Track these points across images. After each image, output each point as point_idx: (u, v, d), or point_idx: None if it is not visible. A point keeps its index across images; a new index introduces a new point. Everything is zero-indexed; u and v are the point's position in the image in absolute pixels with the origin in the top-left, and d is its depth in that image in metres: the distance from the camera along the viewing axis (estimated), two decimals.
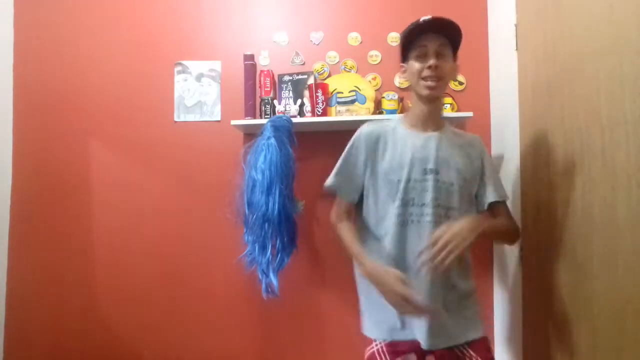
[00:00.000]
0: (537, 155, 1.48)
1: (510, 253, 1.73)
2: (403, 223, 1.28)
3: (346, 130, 2.00)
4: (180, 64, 2.10)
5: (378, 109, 1.94)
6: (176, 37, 2.11)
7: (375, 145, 1.35)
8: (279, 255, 1.81)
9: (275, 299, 1.82)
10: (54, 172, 2.09)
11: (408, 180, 1.28)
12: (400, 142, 1.33)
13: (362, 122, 1.86)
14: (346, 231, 1.38)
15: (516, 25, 1.67)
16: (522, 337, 1.63)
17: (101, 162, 2.09)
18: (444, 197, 1.28)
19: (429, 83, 1.26)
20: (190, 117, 2.08)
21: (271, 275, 1.79)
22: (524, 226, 1.59)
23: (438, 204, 1.27)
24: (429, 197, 1.27)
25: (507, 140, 1.79)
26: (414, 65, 1.29)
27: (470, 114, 1.83)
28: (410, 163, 1.29)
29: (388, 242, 1.29)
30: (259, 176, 1.77)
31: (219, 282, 2.02)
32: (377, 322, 1.33)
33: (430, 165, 1.29)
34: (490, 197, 1.36)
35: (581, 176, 1.19)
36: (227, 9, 2.11)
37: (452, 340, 1.28)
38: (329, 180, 1.42)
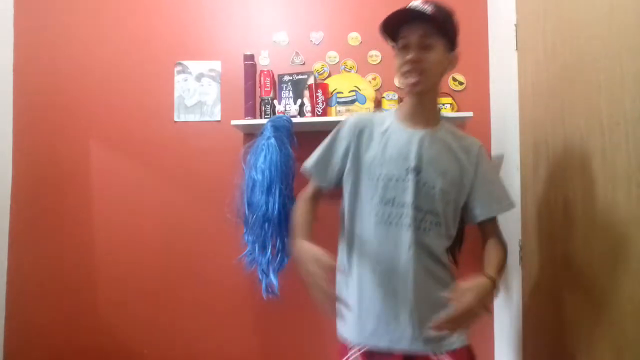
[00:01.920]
0: (537, 155, 1.47)
1: (511, 253, 1.73)
2: (380, 223, 1.19)
3: None
4: (180, 64, 2.10)
5: (378, 109, 1.94)
6: (176, 37, 2.11)
7: (359, 135, 1.25)
8: (279, 255, 1.81)
9: (275, 299, 1.82)
10: (54, 172, 2.09)
11: (389, 178, 1.19)
12: (386, 136, 1.23)
13: None
14: (300, 209, 1.30)
15: (516, 25, 1.67)
16: (522, 337, 1.63)
17: (101, 162, 2.09)
18: (425, 200, 1.18)
19: (409, 79, 1.15)
20: (190, 117, 2.08)
21: (271, 275, 1.79)
22: (524, 226, 1.59)
23: (418, 206, 1.17)
24: (408, 198, 1.17)
25: (507, 140, 1.78)
26: (397, 59, 1.19)
27: (470, 114, 1.83)
28: (391, 159, 1.20)
29: (365, 240, 1.22)
30: (259, 176, 1.77)
31: (219, 282, 2.02)
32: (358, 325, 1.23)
33: (412, 164, 1.18)
34: (479, 214, 1.25)
35: (581, 176, 1.19)
36: (227, 9, 2.11)
37: (431, 347, 1.17)
38: (307, 162, 1.34)
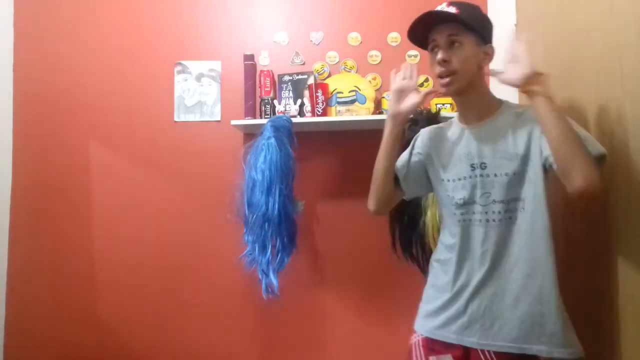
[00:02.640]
0: None
1: None
2: (460, 224, 1.19)
3: (346, 131, 2.02)
4: (180, 64, 2.10)
5: (378, 109, 1.94)
6: (176, 37, 2.10)
7: (429, 145, 1.30)
8: (279, 255, 1.81)
9: (275, 299, 1.82)
10: (54, 172, 2.09)
11: (456, 179, 1.20)
12: (450, 140, 1.26)
13: (362, 122, 1.89)
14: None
15: (516, 25, 1.67)
16: None
17: (101, 162, 2.09)
18: (497, 192, 1.13)
19: (442, 81, 1.16)
20: (190, 117, 2.08)
21: (271, 275, 1.79)
22: None
23: (490, 200, 1.14)
24: (478, 194, 1.15)
25: None
26: (431, 63, 1.20)
27: None
28: (456, 160, 1.21)
29: (455, 241, 1.21)
30: (259, 176, 1.77)
31: (219, 282, 2.02)
32: (421, 314, 1.26)
33: (475, 160, 1.17)
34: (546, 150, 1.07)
35: None
36: (227, 9, 2.11)
37: (510, 342, 1.07)
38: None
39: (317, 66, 2.05)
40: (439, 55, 1.14)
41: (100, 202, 2.08)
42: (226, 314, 2.02)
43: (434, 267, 1.28)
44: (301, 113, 1.94)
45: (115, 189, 2.07)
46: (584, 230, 1.22)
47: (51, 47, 2.13)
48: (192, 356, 2.01)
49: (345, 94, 1.93)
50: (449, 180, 1.22)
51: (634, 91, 0.97)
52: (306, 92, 1.95)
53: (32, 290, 2.06)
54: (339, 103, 1.93)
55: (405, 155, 1.35)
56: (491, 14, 1.97)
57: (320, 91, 1.88)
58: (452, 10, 1.13)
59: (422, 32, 1.19)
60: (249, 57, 1.95)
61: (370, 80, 2.01)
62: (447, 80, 1.15)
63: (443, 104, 1.92)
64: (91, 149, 2.09)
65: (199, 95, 2.09)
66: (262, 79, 1.95)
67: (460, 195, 1.18)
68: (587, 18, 1.18)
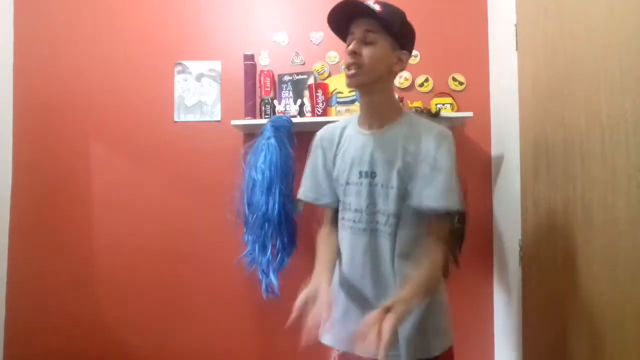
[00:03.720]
0: (537, 155, 1.47)
1: (510, 253, 1.73)
2: (345, 229, 1.20)
3: None
4: (180, 64, 2.10)
5: None
6: (176, 37, 2.11)
7: (327, 147, 1.27)
8: (279, 255, 1.81)
9: (275, 299, 1.82)
10: (54, 172, 2.09)
11: (347, 184, 1.19)
12: (345, 143, 1.23)
13: None
14: (320, 239, 1.28)
15: (516, 25, 1.67)
16: (522, 337, 1.63)
17: (101, 162, 2.09)
18: (381, 203, 1.15)
19: (348, 72, 1.14)
20: (190, 117, 2.08)
21: (271, 275, 1.79)
22: (523, 226, 1.59)
23: (373, 210, 1.15)
24: (363, 202, 1.16)
25: (507, 140, 1.78)
26: (344, 53, 1.17)
27: (470, 114, 1.83)
28: (347, 165, 1.19)
29: (343, 246, 1.22)
30: (259, 176, 1.77)
31: (219, 282, 2.02)
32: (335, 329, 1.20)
33: (365, 168, 1.17)
34: (419, 200, 1.10)
35: (581, 176, 1.19)
36: (227, 9, 2.11)
37: (413, 355, 1.12)
38: (299, 192, 1.32)
39: (317, 66, 2.05)
40: (350, 46, 1.13)
41: (100, 202, 2.08)
42: (226, 314, 2.02)
43: None
44: (301, 113, 1.94)
45: (115, 188, 2.07)
46: (583, 230, 1.21)
47: (51, 47, 2.13)
48: (192, 356, 2.01)
49: (345, 94, 1.93)
50: (341, 184, 1.21)
51: (634, 91, 0.97)
52: (306, 92, 1.95)
53: (32, 290, 2.06)
54: (339, 103, 1.93)
55: (315, 176, 1.30)
56: (491, 14, 1.98)
57: (320, 91, 1.88)
58: (376, 7, 1.11)
59: (345, 23, 1.16)
60: (249, 57, 1.95)
61: None
62: (352, 72, 1.12)
63: (443, 104, 1.93)
64: (91, 149, 2.09)
65: (199, 95, 2.09)
66: (262, 79, 1.95)
67: (349, 200, 1.18)
68: (587, 18, 1.18)
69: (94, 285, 2.05)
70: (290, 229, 1.84)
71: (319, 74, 2.04)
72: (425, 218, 1.14)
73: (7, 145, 2.10)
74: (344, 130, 1.26)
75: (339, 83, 1.95)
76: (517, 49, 1.67)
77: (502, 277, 1.86)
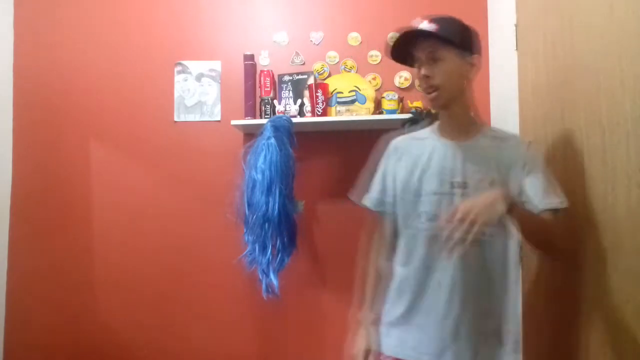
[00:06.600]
0: None
1: None
2: (427, 238, 1.17)
3: (346, 130, 2.01)
4: (180, 64, 2.10)
5: (378, 109, 1.94)
6: (176, 37, 2.11)
7: (400, 157, 1.27)
8: (279, 255, 1.81)
9: (275, 299, 1.82)
10: (54, 172, 2.09)
11: (433, 193, 1.17)
12: (425, 154, 1.22)
13: (362, 122, 1.89)
14: (371, 260, 1.30)
15: (516, 25, 1.67)
16: (522, 337, 1.62)
17: (101, 162, 2.09)
18: None
19: (429, 96, 1.17)
20: (190, 117, 2.08)
21: (271, 275, 1.79)
22: None
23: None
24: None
25: None
26: (417, 79, 1.21)
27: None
28: (433, 174, 1.18)
29: (414, 256, 1.20)
30: (259, 176, 1.77)
31: (219, 282, 2.02)
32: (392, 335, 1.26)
33: (458, 178, 1.16)
34: (530, 202, 1.12)
35: (581, 176, 1.19)
36: (227, 9, 2.11)
37: None
38: (364, 199, 1.31)
39: (317, 66, 2.05)
40: (422, 72, 1.16)
41: (100, 202, 2.08)
42: (226, 314, 2.02)
43: None
44: (301, 113, 1.94)
45: (115, 188, 2.07)
46: (583, 229, 1.22)
47: (51, 47, 2.13)
48: (192, 356, 2.01)
49: (345, 94, 1.93)
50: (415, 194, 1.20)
51: (634, 91, 0.97)
52: (306, 92, 1.95)
53: (32, 290, 2.06)
54: (339, 103, 1.93)
55: (384, 184, 1.30)
56: (491, 14, 1.98)
57: (320, 91, 1.88)
58: (431, 26, 1.13)
59: (404, 48, 1.19)
60: (249, 57, 1.95)
61: (370, 80, 2.01)
62: (433, 95, 1.16)
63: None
64: (91, 149, 2.09)
65: (199, 95, 2.09)
66: (262, 79, 1.95)
67: (429, 209, 1.17)
68: (587, 18, 1.18)
69: (94, 285, 2.05)
70: (290, 229, 1.84)
71: (319, 74, 2.04)
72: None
73: (7, 145, 2.10)
74: (424, 142, 1.26)
75: (339, 83, 1.95)
76: (517, 49, 1.67)
77: None
